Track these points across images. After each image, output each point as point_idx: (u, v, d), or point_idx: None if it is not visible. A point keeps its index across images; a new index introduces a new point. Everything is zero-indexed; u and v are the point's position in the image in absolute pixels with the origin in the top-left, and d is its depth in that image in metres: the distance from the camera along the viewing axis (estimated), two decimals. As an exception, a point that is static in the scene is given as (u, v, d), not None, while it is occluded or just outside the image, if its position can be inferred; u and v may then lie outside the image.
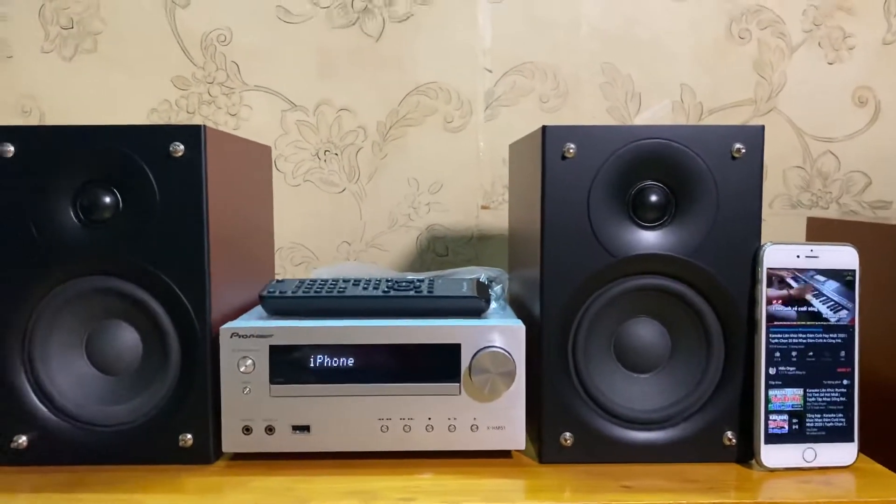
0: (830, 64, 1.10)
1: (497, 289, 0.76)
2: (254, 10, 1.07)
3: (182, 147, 0.63)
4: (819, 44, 1.09)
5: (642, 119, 1.10)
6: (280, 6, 1.07)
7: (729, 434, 0.65)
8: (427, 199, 1.11)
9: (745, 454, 0.65)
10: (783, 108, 1.10)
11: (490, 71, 1.09)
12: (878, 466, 0.65)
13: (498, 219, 1.11)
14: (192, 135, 0.63)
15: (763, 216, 1.09)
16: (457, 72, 1.09)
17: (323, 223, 1.10)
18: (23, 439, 0.64)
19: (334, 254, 1.11)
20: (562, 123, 1.08)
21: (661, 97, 1.10)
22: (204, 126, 0.63)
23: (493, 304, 0.72)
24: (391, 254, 1.11)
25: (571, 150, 0.63)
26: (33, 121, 1.08)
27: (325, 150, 1.10)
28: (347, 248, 1.11)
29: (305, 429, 0.64)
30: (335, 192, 1.10)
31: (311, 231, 1.10)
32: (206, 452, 0.64)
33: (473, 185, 1.10)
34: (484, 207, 1.11)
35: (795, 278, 0.64)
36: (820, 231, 0.93)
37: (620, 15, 1.08)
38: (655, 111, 1.10)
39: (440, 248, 1.11)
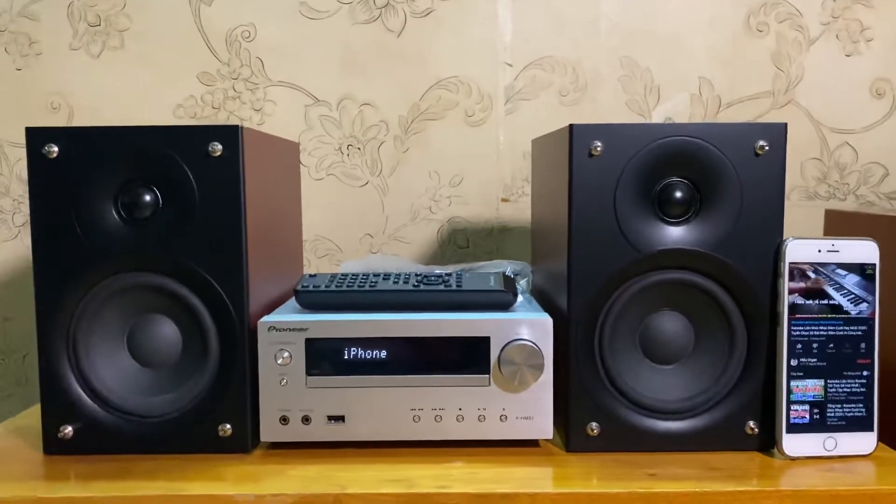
0: (848, 56, 1.10)
1: (522, 282, 0.78)
2: (277, 6, 1.09)
3: (220, 147, 0.65)
4: (837, 36, 1.10)
5: (660, 112, 1.11)
6: (303, 2, 1.09)
7: (751, 423, 0.67)
8: (448, 192, 1.12)
9: (767, 443, 0.67)
10: (801, 100, 1.11)
11: (510, 65, 1.10)
12: (897, 455, 0.66)
13: (518, 211, 1.13)
14: (230, 135, 0.65)
15: (780, 208, 1.11)
16: (477, 66, 1.10)
17: (346, 216, 1.12)
18: (69, 429, 0.67)
19: (357, 246, 1.13)
20: (581, 116, 1.10)
21: (680, 90, 1.11)
22: (241, 126, 0.65)
23: (520, 297, 0.73)
24: (413, 246, 1.13)
25: (598, 148, 0.65)
26: (62, 117, 1.10)
27: (348, 145, 1.11)
28: (370, 241, 1.13)
29: (340, 419, 0.67)
30: (358, 186, 1.12)
31: (334, 224, 1.12)
32: (245, 442, 0.67)
33: (494, 177, 1.12)
34: (504, 200, 1.13)
35: (817, 272, 0.65)
36: (838, 223, 0.94)
37: (639, 9, 1.09)
38: (674, 104, 1.11)
39: (461, 240, 1.13)
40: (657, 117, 1.11)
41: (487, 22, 1.09)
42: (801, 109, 1.11)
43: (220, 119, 1.11)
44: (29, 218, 0.65)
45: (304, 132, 1.11)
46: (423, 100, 1.11)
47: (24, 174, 1.10)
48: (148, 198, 0.66)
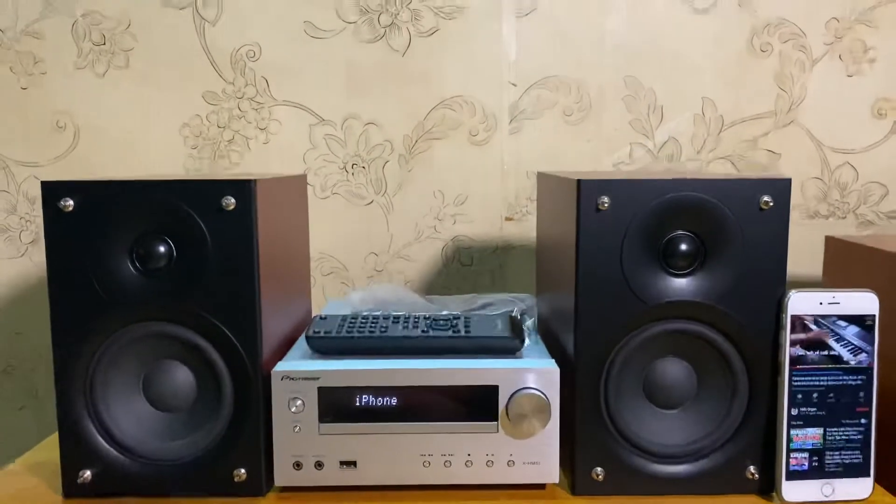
0: (850, 76, 1.11)
1: (529, 323, 0.79)
2: (282, 25, 1.09)
3: (234, 201, 0.66)
4: (840, 56, 1.11)
5: (664, 131, 1.12)
6: (308, 21, 1.09)
7: (752, 468, 0.69)
8: (452, 211, 1.13)
9: (767, 487, 0.69)
10: (803, 120, 1.12)
11: (514, 85, 1.11)
12: (892, 499, 0.68)
13: (522, 230, 1.14)
14: (244, 189, 0.66)
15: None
16: (482, 85, 1.11)
17: (351, 234, 1.13)
18: (87, 473, 0.68)
19: (362, 264, 1.14)
20: (585, 135, 1.11)
21: (683, 110, 1.12)
22: (254, 181, 0.66)
23: (527, 341, 0.75)
24: (418, 264, 1.14)
25: (605, 204, 0.66)
26: (67, 136, 1.11)
27: (353, 164, 1.12)
28: (375, 259, 1.14)
29: (352, 464, 0.68)
30: (363, 205, 1.13)
31: (339, 242, 1.14)
32: (259, 486, 0.69)
33: (497, 197, 1.13)
34: (508, 219, 1.14)
35: (817, 323, 0.67)
36: (838, 252, 0.96)
37: (644, 29, 1.10)
38: (677, 123, 1.12)
39: (465, 259, 1.14)
40: (660, 136, 1.12)
41: (492, 41, 1.10)
42: (803, 129, 1.12)
43: (225, 138, 1.11)
44: (40, 237, 0.66)
45: (309, 151, 1.12)
46: (427, 119, 1.11)
47: (31, 192, 1.11)
48: (162, 249, 0.67)
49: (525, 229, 1.14)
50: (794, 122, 1.12)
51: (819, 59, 1.11)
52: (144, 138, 1.11)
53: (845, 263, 0.94)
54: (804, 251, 1.10)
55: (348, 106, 1.11)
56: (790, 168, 1.13)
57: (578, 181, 0.66)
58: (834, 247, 0.97)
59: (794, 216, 1.14)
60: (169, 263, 0.67)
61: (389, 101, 1.11)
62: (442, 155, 1.12)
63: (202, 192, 0.66)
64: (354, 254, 1.14)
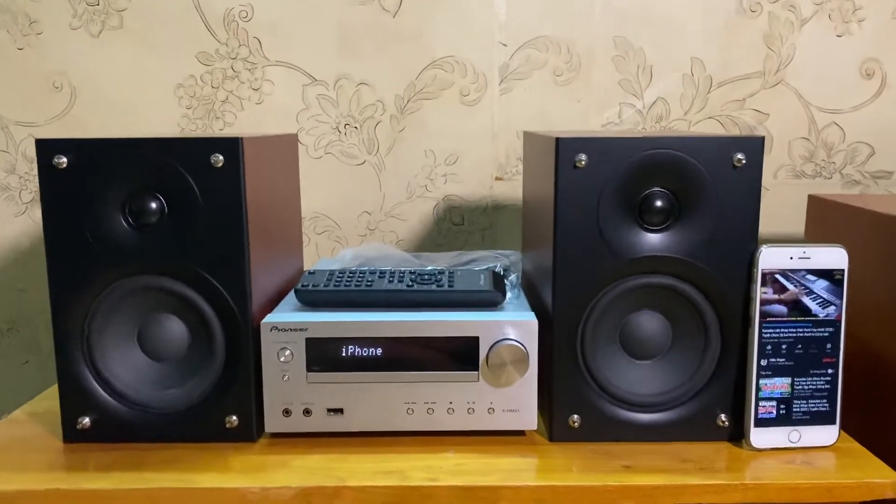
0: (839, 36, 1.12)
1: (512, 277, 0.82)
2: (274, -14, 1.09)
3: (222, 158, 0.68)
4: (829, 16, 1.11)
5: (653, 93, 1.13)
6: (299, -18, 1.10)
7: (722, 416, 0.72)
8: (443, 171, 1.15)
9: (737, 434, 0.72)
10: (791, 80, 1.13)
11: (505, 45, 1.12)
12: (857, 446, 0.71)
13: (511, 189, 1.16)
14: (231, 146, 0.68)
15: (766, 186, 1.15)
16: (473, 46, 1.12)
17: (344, 194, 1.15)
18: (86, 420, 0.71)
19: (355, 223, 1.16)
20: (575, 95, 1.12)
21: (672, 71, 1.13)
22: (241, 139, 0.68)
23: (509, 294, 0.77)
24: (409, 223, 1.16)
25: (583, 161, 0.68)
26: (64, 96, 1.12)
27: (346, 124, 1.14)
28: (368, 218, 1.16)
29: (339, 411, 0.71)
30: (355, 164, 1.15)
31: (332, 202, 1.16)
32: (250, 432, 0.72)
33: (488, 156, 1.15)
34: (498, 178, 1.16)
35: (788, 277, 0.69)
36: (819, 211, 0.97)
37: (634, -11, 1.10)
38: (666, 84, 1.13)
39: (456, 218, 1.16)
40: (649, 97, 1.13)
41: (483, 2, 1.10)
42: (791, 89, 1.13)
43: (219, 98, 1.13)
44: (37, 198, 0.68)
45: (302, 111, 1.13)
46: (418, 79, 1.13)
47: (29, 152, 1.13)
48: (154, 205, 0.69)
49: (514, 189, 1.16)
50: (783, 83, 1.13)
51: (808, 20, 1.11)
52: (140, 98, 1.13)
53: (827, 222, 0.96)
54: (790, 211, 1.12)
55: (340, 66, 1.12)
56: (777, 128, 1.14)
57: (557, 139, 0.68)
58: (816, 205, 0.99)
59: (781, 176, 1.15)
60: (161, 219, 0.70)
61: (381, 61, 1.12)
62: (433, 115, 1.13)
63: (192, 150, 0.68)
64: (347, 213, 1.16)
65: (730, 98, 1.13)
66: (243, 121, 1.14)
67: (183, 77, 1.12)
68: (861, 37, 1.12)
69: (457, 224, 1.17)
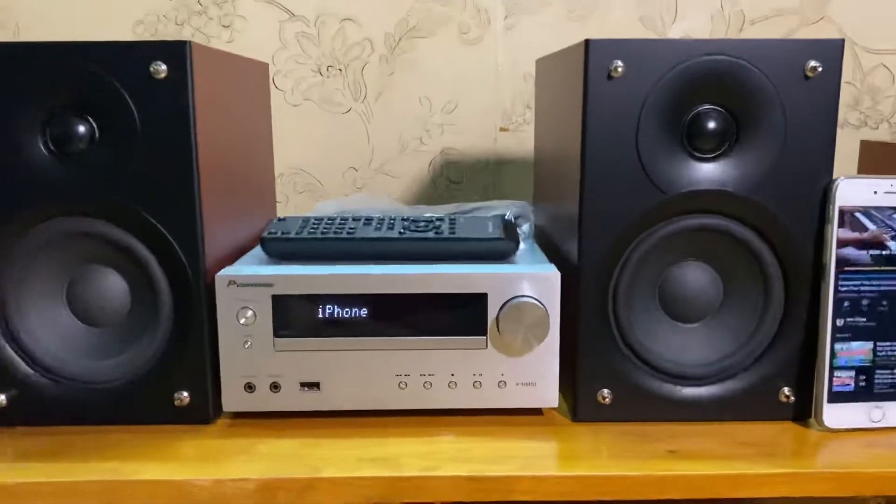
0: (889, -35, 0.98)
1: (525, 227, 0.68)
2: None
3: (165, 67, 0.54)
4: (878, -58, 0.98)
5: (678, 30, 0.99)
6: None
7: (786, 390, 0.59)
8: (440, 121, 1.02)
9: (803, 412, 0.59)
10: (834, 15, 1.00)
11: (510, -26, 0.98)
12: (951, 426, 0.58)
13: (518, 142, 1.02)
14: (177, 53, 0.54)
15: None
16: (473, -24, 0.98)
17: (327, 147, 1.02)
18: (2, 398, 0.58)
19: (340, 181, 1.03)
20: (589, 34, 0.98)
21: (700, 5, 0.99)
22: (189, 42, 0.54)
23: (522, 245, 0.64)
24: (402, 181, 1.03)
25: (619, 69, 0.54)
26: (6, 36, 0.98)
27: (328, 66, 1.00)
28: (354, 175, 1.02)
29: (315, 386, 0.58)
30: (339, 113, 1.01)
31: (314, 155, 1.02)
32: (205, 412, 0.58)
33: (491, 104, 1.01)
34: (503, 129, 1.02)
35: (871, 217, 0.56)
36: (875, 156, 0.84)
37: None
38: (692, 21, 0.99)
39: (454, 175, 1.03)
40: (674, 36, 1.00)
41: (485, -76, 0.97)
42: (835, 26, 1.00)
43: (184, 37, 0.99)
44: None
45: (279, 51, 0.99)
46: (410, 14, 0.99)
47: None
48: (81, 129, 0.56)
49: (522, 140, 1.02)
50: (825, 19, 1.00)
51: (855, -54, 0.98)
52: (94, 37, 0.98)
53: (886, 170, 0.82)
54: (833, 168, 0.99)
55: (322, -1, 0.98)
56: None
57: (587, 41, 0.54)
58: (870, 151, 0.86)
59: (822, 126, 1.02)
60: (90, 146, 0.56)
61: (369, -7, 0.98)
62: (428, 56, 1.00)
63: (128, 58, 0.54)
64: (331, 168, 1.02)
65: (765, 36, 1.00)
66: (212, 63, 0.99)
67: (143, 13, 0.98)
68: (914, -34, 0.98)
69: (455, 182, 1.03)
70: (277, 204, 1.02)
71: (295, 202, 1.03)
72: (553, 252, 0.65)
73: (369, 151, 1.02)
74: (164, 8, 0.98)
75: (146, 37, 0.99)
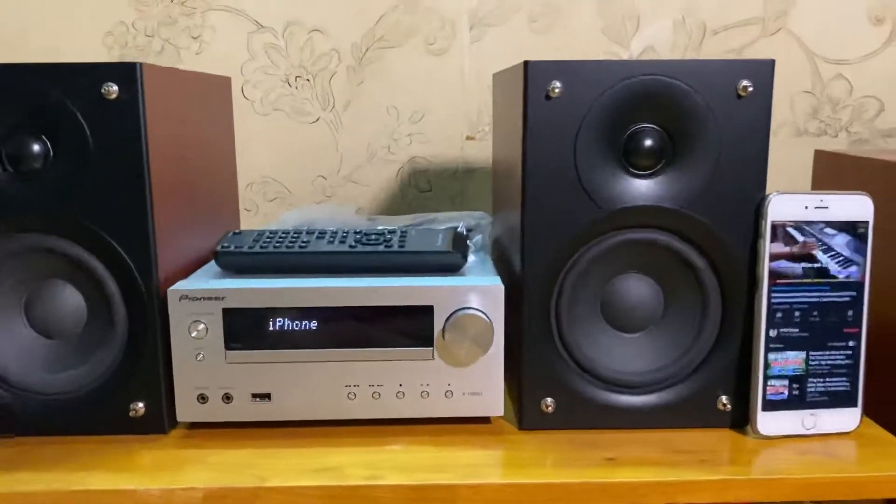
0: (846, -23, 1.00)
1: (477, 239, 0.70)
2: (213, -82, 0.97)
3: (116, 88, 0.55)
4: (836, -45, 1.00)
5: (640, 41, 1.01)
6: (242, -86, 0.97)
7: (724, 398, 0.60)
8: (408, 130, 1.03)
9: (741, 420, 0.61)
10: (793, 27, 1.01)
11: (475, -14, 1.00)
12: (882, 432, 0.60)
13: (484, 150, 1.04)
14: (127, 74, 0.56)
15: (767, 146, 1.03)
16: (439, -12, 0.99)
17: (296, 156, 1.03)
18: (-42, 409, 0.59)
19: (310, 188, 1.04)
20: (553, 44, 1.00)
21: (661, 16, 1.01)
22: (140, 64, 0.55)
23: (472, 258, 0.66)
24: (370, 189, 1.04)
25: (557, 89, 0.56)
26: (-22, 45, 0.99)
27: (297, 76, 1.01)
28: (323, 183, 1.04)
29: (266, 397, 0.60)
30: (308, 122, 1.02)
31: (283, 164, 1.03)
32: (160, 422, 0.60)
33: (458, 113, 1.03)
34: (469, 138, 1.04)
35: (802, 231, 0.58)
36: (828, 166, 0.86)
37: (619, -77, 0.98)
38: (654, 32, 1.01)
39: (422, 183, 1.04)
40: (636, 46, 1.01)
41: (449, -63, 0.98)
42: (794, 37, 1.02)
43: (154, 48, 1.00)
44: None
45: (248, 62, 1.01)
46: (378, 25, 1.00)
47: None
48: (36, 148, 0.57)
49: (488, 149, 1.04)
50: (784, 29, 1.01)
51: (813, -42, 1.00)
52: (65, 47, 1.00)
53: (837, 181, 0.85)
54: (792, 172, 1.01)
55: (290, 10, 0.99)
56: (778, 81, 0.99)
57: (525, 62, 0.56)
58: (824, 161, 0.87)
59: (782, 134, 1.04)
60: (45, 164, 0.57)
61: (336, 5, 0.99)
62: (395, 66, 1.01)
63: (79, 79, 0.56)
64: (300, 177, 1.04)
65: (726, 47, 1.01)
66: (181, 73, 1.01)
67: (112, 24, 0.99)
68: (871, -23, 1.00)
69: (423, 190, 1.05)
70: (247, 212, 1.04)
71: (264, 210, 1.05)
72: (506, 264, 0.67)
73: (338, 160, 1.04)
74: (134, 18, 1.00)
75: (116, 48, 1.00)
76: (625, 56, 1.01)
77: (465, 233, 0.69)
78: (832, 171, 0.86)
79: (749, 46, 1.02)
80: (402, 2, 0.99)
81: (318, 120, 1.02)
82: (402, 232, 0.65)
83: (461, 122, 1.03)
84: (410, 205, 1.05)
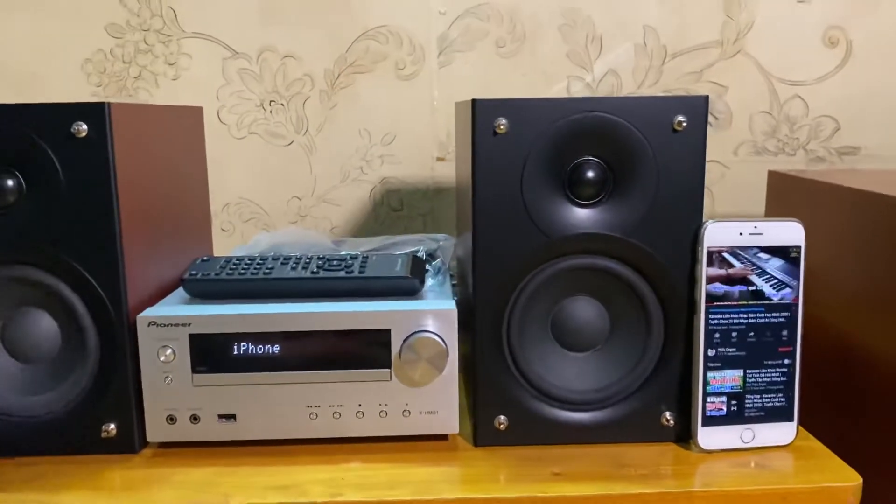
0: (800, 2, 1.04)
1: (437, 262, 0.73)
2: (188, -50, 1.00)
3: (85, 127, 0.58)
4: (790, -20, 1.04)
5: (603, 65, 1.04)
6: (216, -55, 1.00)
7: (667, 414, 0.64)
8: (380, 151, 1.06)
9: (685, 434, 0.64)
10: (751, 49, 1.05)
11: (443, 13, 1.03)
12: (818, 444, 0.64)
13: (454, 171, 1.07)
14: (96, 113, 0.59)
15: (726, 164, 1.07)
16: (408, 14, 1.03)
17: (271, 177, 1.06)
18: (-63, 432, 0.62)
19: (285, 209, 1.07)
20: (519, 68, 1.03)
21: (624, 40, 1.04)
22: (107, 104, 0.59)
23: (430, 281, 0.69)
24: (344, 209, 1.08)
25: (503, 126, 0.59)
26: (-40, 73, 1.02)
27: (271, 101, 1.04)
28: (298, 204, 1.07)
29: (231, 417, 0.62)
30: (283, 145, 1.06)
31: (259, 186, 1.07)
32: (131, 442, 0.63)
33: (428, 135, 1.06)
34: (439, 159, 1.07)
35: (737, 256, 0.61)
36: (781, 188, 0.90)
37: (580, -48, 1.02)
38: (617, 55, 1.04)
39: (395, 203, 1.08)
40: (599, 69, 1.05)
41: (417, -34, 1.02)
42: (751, 59, 1.05)
43: (132, 74, 1.03)
44: None
45: (223, 87, 1.04)
46: (349, 51, 1.04)
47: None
48: (10, 183, 0.60)
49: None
50: (742, 52, 1.05)
51: (768, -16, 1.04)
52: (44, 74, 1.03)
53: (789, 200, 0.88)
54: (752, 191, 1.05)
55: (264, 37, 1.03)
56: (737, 101, 1.06)
57: (473, 101, 0.59)
58: (777, 182, 0.91)
59: (741, 153, 1.08)
60: (19, 198, 0.60)
61: (309, 31, 1.03)
62: (367, 90, 1.04)
63: (51, 118, 0.59)
64: (276, 198, 1.07)
65: (686, 70, 1.05)
66: (159, 99, 1.04)
67: (91, 51, 1.03)
68: (823, 2, 1.04)
69: (395, 209, 1.08)
70: (223, 232, 1.07)
71: (241, 230, 1.08)
72: (464, 285, 0.70)
73: (312, 181, 1.07)
74: (112, 46, 1.03)
75: (94, 74, 1.03)
76: (588, 79, 1.05)
77: (423, 257, 0.72)
78: (784, 191, 0.89)
79: (709, 68, 1.05)
80: (372, 28, 1.02)
81: (292, 143, 1.06)
82: (363, 257, 0.68)
83: (431, 143, 1.06)
84: (383, 223, 1.08)
